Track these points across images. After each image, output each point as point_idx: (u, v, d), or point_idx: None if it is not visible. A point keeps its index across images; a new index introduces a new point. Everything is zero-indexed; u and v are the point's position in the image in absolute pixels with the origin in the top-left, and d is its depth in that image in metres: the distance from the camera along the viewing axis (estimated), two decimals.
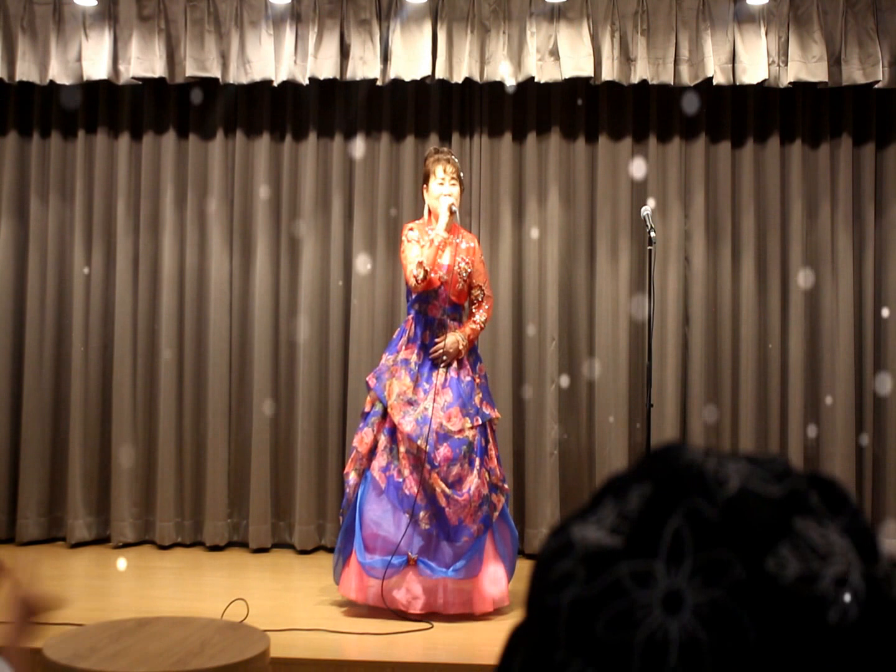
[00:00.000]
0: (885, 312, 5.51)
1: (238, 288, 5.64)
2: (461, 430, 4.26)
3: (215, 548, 5.54)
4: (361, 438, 4.41)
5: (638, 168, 5.48)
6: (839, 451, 5.40)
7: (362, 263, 5.54)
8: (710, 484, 0.54)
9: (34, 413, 5.56)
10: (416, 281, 4.32)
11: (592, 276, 5.57)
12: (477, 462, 4.27)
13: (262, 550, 5.52)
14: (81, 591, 4.69)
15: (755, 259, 5.50)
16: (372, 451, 4.36)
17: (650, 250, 4.39)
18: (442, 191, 4.42)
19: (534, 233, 5.53)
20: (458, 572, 4.21)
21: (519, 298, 5.55)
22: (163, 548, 5.53)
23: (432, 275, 4.35)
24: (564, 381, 5.53)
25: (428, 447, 4.21)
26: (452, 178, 4.44)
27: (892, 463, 5.46)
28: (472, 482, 4.23)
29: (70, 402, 5.56)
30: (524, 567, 4.90)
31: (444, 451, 4.22)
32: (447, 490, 4.19)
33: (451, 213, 4.41)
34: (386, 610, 4.24)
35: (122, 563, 5.11)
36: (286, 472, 5.59)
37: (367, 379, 4.51)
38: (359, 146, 5.59)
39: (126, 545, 5.54)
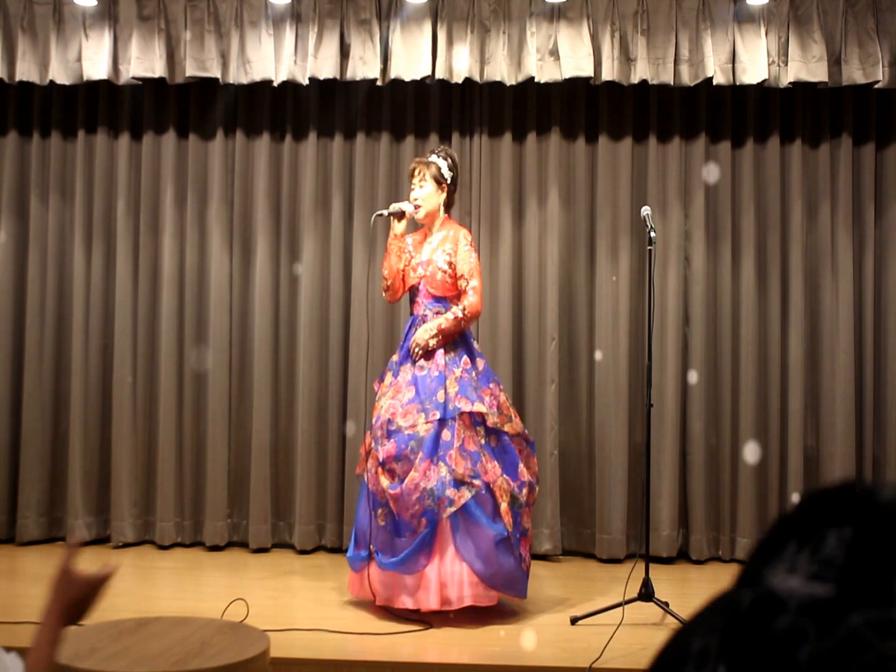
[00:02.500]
0: (885, 313, 5.51)
1: (238, 288, 5.64)
2: (413, 426, 4.22)
3: (215, 548, 5.54)
4: (363, 441, 4.52)
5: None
6: (839, 451, 5.40)
7: (362, 263, 5.54)
8: None
9: (34, 413, 5.56)
10: (384, 290, 4.53)
11: (592, 276, 5.56)
12: (421, 455, 4.16)
13: (262, 550, 5.52)
14: None
15: (755, 259, 5.49)
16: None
17: (650, 250, 4.39)
18: (411, 195, 4.52)
19: (534, 233, 5.53)
20: (395, 565, 4.19)
21: (519, 298, 5.55)
22: (163, 548, 5.53)
23: (410, 272, 4.46)
24: (566, 380, 5.53)
25: (374, 443, 4.27)
26: (422, 181, 4.48)
27: (892, 463, 5.45)
28: (410, 476, 4.17)
29: (70, 402, 5.56)
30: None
31: (388, 446, 4.23)
32: (383, 484, 4.22)
33: (395, 216, 4.48)
34: (369, 603, 4.34)
35: None
36: (286, 472, 5.59)
37: (374, 384, 4.63)
38: (359, 146, 5.60)
39: (126, 545, 5.54)
